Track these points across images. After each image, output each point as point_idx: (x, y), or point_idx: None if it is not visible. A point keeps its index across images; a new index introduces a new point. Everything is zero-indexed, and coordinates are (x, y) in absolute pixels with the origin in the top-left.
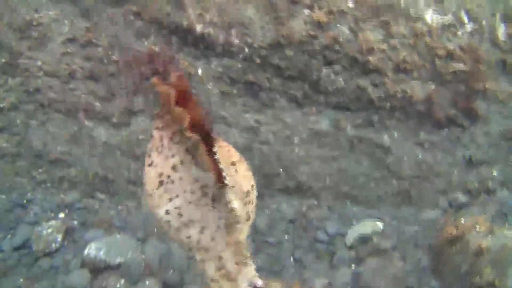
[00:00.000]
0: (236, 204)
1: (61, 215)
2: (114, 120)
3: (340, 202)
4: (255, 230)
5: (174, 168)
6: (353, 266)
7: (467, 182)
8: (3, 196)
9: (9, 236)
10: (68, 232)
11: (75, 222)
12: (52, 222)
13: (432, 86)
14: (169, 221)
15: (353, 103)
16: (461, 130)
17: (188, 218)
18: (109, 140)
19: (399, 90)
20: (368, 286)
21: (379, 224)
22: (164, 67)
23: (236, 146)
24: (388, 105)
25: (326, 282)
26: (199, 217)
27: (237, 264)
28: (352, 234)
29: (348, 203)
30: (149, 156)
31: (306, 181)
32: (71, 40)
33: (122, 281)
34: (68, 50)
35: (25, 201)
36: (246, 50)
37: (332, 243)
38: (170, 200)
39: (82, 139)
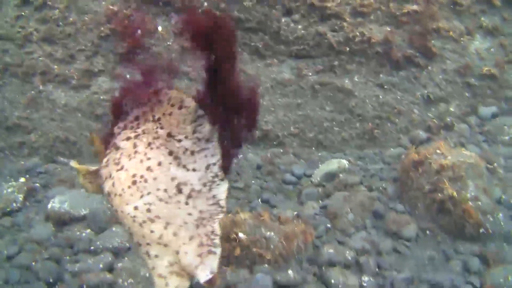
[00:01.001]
0: (223, 195)
1: (22, 179)
2: (74, 82)
3: (306, 148)
4: None
5: (149, 169)
6: (320, 202)
7: (427, 119)
8: None
9: None
10: (30, 193)
11: (37, 185)
12: (12, 183)
13: (389, 28)
14: (134, 216)
15: (314, 50)
16: (419, 70)
17: (155, 214)
18: (69, 102)
19: (358, 34)
20: (335, 213)
21: (345, 162)
22: (123, 26)
23: None
24: (348, 49)
25: (295, 213)
26: (167, 213)
27: (200, 255)
28: (319, 173)
29: (314, 148)
30: (117, 163)
31: (272, 129)
32: (25, 3)
33: (88, 230)
34: (22, 13)
35: None
36: (205, 3)
37: (299, 183)
38: (141, 196)
39: (41, 103)
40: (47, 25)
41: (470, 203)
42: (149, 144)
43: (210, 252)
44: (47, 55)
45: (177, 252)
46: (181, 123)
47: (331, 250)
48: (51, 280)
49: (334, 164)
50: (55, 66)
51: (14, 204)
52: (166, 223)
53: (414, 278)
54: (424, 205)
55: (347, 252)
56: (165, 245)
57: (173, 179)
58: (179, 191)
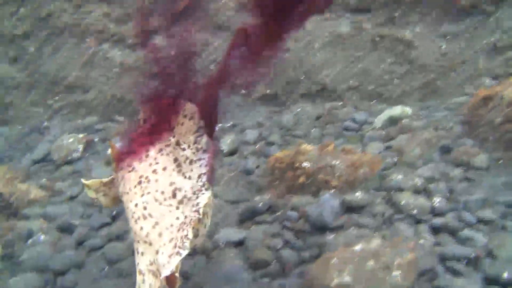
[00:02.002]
0: (203, 203)
1: (80, 135)
2: (130, 41)
3: (365, 101)
4: (280, 127)
5: (154, 171)
6: (384, 143)
7: (494, 68)
8: (19, 127)
9: (28, 154)
10: (89, 145)
11: (96, 139)
12: (72, 135)
13: None
14: (134, 212)
15: (373, 2)
16: (485, 17)
17: (148, 212)
18: (125, 61)
19: None
20: (401, 150)
21: (408, 109)
22: None
23: None
24: None
25: (359, 149)
26: (158, 213)
27: (170, 255)
28: (381, 118)
29: (374, 101)
30: (129, 165)
31: (330, 83)
32: None
33: None
34: None
35: (42, 128)
36: None
37: (360, 129)
38: (142, 195)
39: (97, 62)
40: None
41: None
42: (160, 150)
43: (177, 253)
44: (104, 14)
45: (157, 252)
46: (187, 133)
47: (399, 177)
48: (114, 213)
49: (397, 109)
50: (112, 26)
51: (75, 154)
52: (155, 222)
53: (489, 200)
54: (495, 137)
55: (416, 179)
56: (150, 244)
57: (171, 183)
58: (174, 195)
